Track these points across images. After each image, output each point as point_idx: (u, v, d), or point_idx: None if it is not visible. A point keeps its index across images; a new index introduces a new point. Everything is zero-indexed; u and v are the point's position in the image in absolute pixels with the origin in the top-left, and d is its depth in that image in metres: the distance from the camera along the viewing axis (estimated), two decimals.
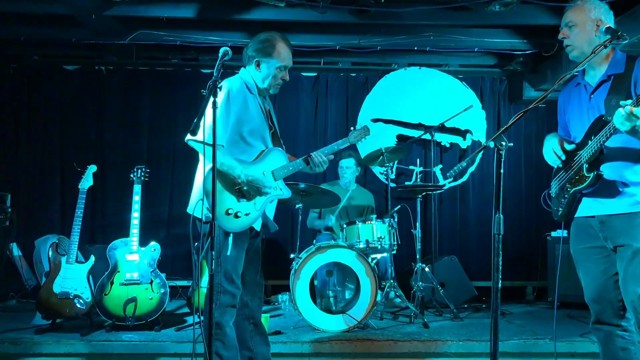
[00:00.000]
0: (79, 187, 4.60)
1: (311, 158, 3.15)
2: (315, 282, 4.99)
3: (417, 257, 5.27)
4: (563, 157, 2.63)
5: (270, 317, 4.96)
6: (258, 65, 3.06)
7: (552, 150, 2.66)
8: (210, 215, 2.53)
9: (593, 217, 2.59)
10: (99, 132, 6.62)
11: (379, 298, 4.70)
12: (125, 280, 4.49)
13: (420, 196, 5.44)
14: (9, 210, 5.85)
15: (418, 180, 6.60)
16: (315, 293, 4.90)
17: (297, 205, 4.93)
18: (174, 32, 5.66)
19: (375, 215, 5.14)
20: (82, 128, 6.59)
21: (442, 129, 6.46)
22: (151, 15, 5.24)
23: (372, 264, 4.63)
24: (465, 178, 6.76)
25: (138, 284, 4.50)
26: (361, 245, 4.89)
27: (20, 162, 6.52)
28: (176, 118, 6.57)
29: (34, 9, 5.11)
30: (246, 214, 2.95)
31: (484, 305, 5.76)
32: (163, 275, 4.62)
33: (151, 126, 6.66)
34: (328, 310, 4.77)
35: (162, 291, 4.54)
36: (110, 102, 6.65)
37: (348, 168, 5.76)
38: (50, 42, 6.13)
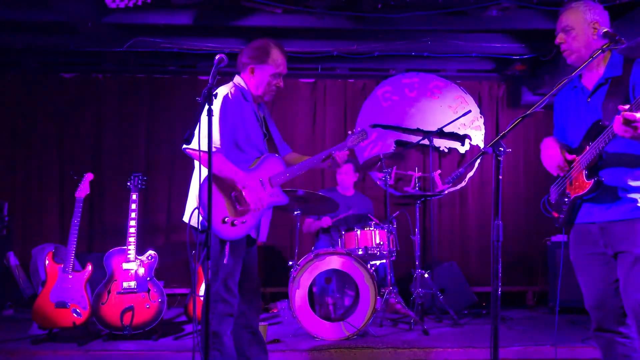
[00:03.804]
0: (76, 195, 4.57)
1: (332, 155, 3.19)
2: (314, 290, 4.96)
3: (417, 263, 5.24)
4: (566, 169, 2.60)
5: (269, 325, 4.92)
6: (252, 72, 3.05)
7: (555, 163, 2.62)
8: (207, 223, 2.50)
9: (593, 223, 2.57)
10: (97, 139, 6.59)
11: (378, 305, 4.67)
12: (122, 289, 4.45)
13: (419, 202, 5.42)
14: (6, 218, 5.84)
15: (417, 185, 6.58)
16: (314, 300, 4.87)
17: (296, 212, 4.90)
18: (171, 39, 5.66)
19: (374, 222, 5.11)
20: (80, 136, 6.56)
21: (440, 134, 6.43)
22: (148, 22, 5.23)
23: (371, 271, 4.61)
24: (464, 183, 6.74)
25: (135, 292, 4.47)
26: (360, 252, 4.86)
27: (18, 170, 6.49)
28: (174, 125, 6.54)
29: (31, 17, 5.10)
30: (243, 222, 2.93)
31: (484, 312, 5.73)
32: (160, 284, 4.59)
33: (149, 133, 6.64)
34: (327, 317, 4.73)
35: (160, 300, 4.50)
36: (108, 110, 6.63)
37: (346, 174, 5.74)
38: (47, 50, 6.12)
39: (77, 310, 4.37)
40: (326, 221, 5.56)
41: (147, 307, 4.46)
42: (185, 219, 2.96)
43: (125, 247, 4.53)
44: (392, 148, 6.61)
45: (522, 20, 5.17)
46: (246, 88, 3.06)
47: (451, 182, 6.50)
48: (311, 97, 6.81)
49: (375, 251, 4.89)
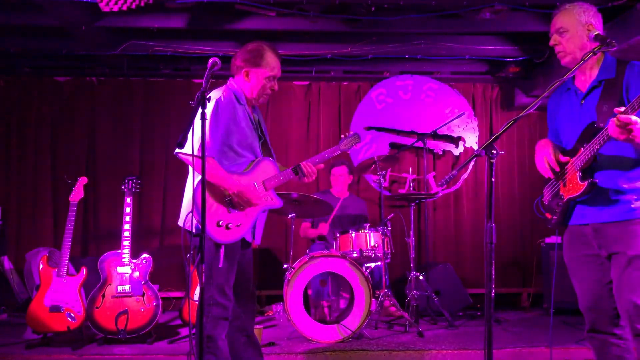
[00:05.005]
0: (70, 199, 4.56)
1: (300, 168, 3.14)
2: (309, 292, 4.96)
3: (411, 265, 5.24)
4: (557, 169, 2.60)
5: (264, 328, 4.92)
6: (246, 75, 3.05)
7: (545, 161, 2.64)
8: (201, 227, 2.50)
9: (587, 225, 2.57)
10: (91, 143, 6.57)
11: (373, 307, 4.67)
12: (117, 293, 4.44)
13: (413, 204, 5.43)
14: (0, 222, 5.81)
15: (411, 187, 6.59)
16: (309, 303, 4.87)
17: (290, 215, 4.90)
18: (165, 43, 5.65)
19: (369, 224, 5.12)
20: (74, 139, 6.54)
21: (434, 136, 6.45)
22: (142, 26, 5.22)
23: (366, 273, 4.61)
24: (458, 185, 6.75)
25: (130, 296, 4.45)
26: (355, 254, 4.86)
27: (12, 174, 6.46)
28: (169, 128, 6.54)
29: (24, 21, 5.08)
30: (237, 226, 2.93)
31: (479, 313, 5.74)
32: (155, 287, 4.58)
33: (143, 137, 6.62)
34: (322, 320, 4.73)
35: (155, 303, 4.49)
36: (102, 113, 6.61)
37: (341, 176, 5.75)
38: (41, 54, 6.11)
39: (72, 314, 4.35)
40: (323, 228, 5.57)
41: (141, 310, 4.45)
42: (180, 222, 2.96)
43: (119, 251, 4.52)
44: (387, 150, 6.63)
45: (515, 23, 5.19)
46: (240, 91, 3.06)
47: (445, 184, 6.51)
48: (305, 99, 6.81)
49: (370, 253, 4.89)
